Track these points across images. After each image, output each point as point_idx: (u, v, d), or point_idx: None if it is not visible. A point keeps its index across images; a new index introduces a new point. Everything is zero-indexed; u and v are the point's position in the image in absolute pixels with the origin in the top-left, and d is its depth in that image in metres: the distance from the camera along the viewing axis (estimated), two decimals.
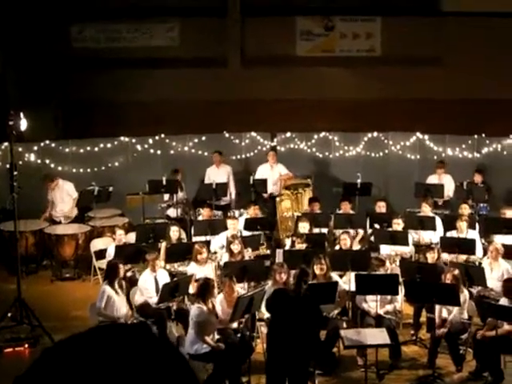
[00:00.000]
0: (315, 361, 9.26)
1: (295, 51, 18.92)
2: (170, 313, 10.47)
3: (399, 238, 12.32)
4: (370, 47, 18.87)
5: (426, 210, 13.55)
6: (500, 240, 12.11)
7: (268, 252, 12.67)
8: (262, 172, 15.58)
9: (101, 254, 12.82)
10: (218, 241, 12.53)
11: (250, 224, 13.08)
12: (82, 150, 15.90)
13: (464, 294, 10.02)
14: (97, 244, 13.34)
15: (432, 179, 15.27)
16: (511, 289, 9.74)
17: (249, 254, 12.03)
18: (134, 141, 16.23)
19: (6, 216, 13.74)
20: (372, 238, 12.97)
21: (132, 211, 14.89)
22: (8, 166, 11.20)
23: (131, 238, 12.91)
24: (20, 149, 14.78)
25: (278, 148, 16.64)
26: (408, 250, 12.49)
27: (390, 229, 12.75)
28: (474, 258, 11.98)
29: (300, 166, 16.14)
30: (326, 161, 16.80)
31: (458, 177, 15.07)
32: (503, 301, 9.73)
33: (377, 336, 9.25)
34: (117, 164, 16.12)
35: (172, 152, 16.44)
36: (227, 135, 16.66)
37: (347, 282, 10.75)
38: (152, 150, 16.32)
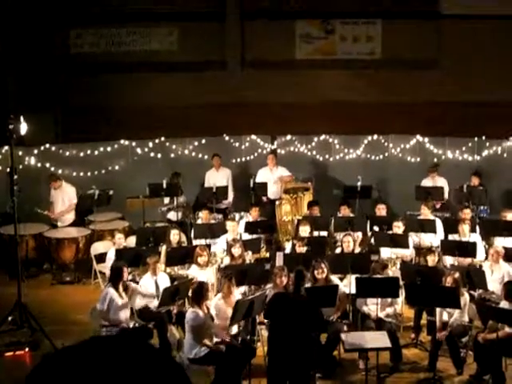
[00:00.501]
0: (316, 364, 9.24)
1: (295, 54, 18.94)
2: (171, 316, 10.47)
3: (399, 241, 12.32)
4: (370, 50, 18.89)
5: (426, 212, 13.54)
6: (500, 243, 12.11)
7: (268, 255, 12.67)
8: (263, 175, 15.59)
9: (101, 257, 12.82)
10: (219, 245, 12.54)
11: (250, 227, 13.09)
12: (82, 154, 15.91)
13: (464, 297, 10.02)
14: (97, 247, 13.34)
15: (426, 182, 15.26)
16: (511, 292, 9.72)
17: (249, 257, 12.04)
18: (133, 144, 16.24)
19: (6, 220, 13.74)
20: (372, 241, 12.96)
21: (132, 214, 14.90)
22: (8, 169, 11.16)
23: (131, 241, 12.92)
24: (20, 152, 14.80)
25: (278, 151, 16.65)
26: (409, 253, 12.49)
27: (391, 232, 12.74)
28: (476, 261, 11.96)
29: (300, 169, 16.15)
30: (326, 164, 16.81)
31: (457, 179, 15.05)
32: (504, 304, 9.72)
33: (377, 339, 9.23)
34: (117, 167, 16.13)
35: (172, 155, 16.45)
36: (227, 138, 16.67)
37: (347, 284, 10.75)
38: (152, 154, 16.33)
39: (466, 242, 12.14)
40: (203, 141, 16.51)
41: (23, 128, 10.99)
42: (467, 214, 13.38)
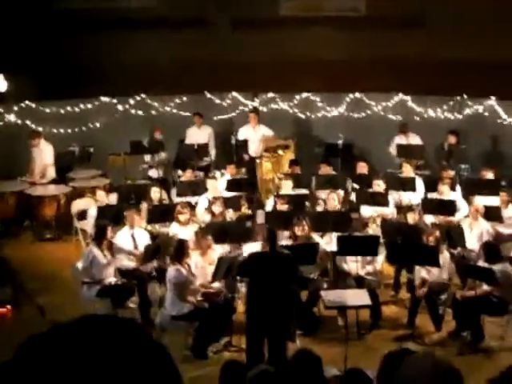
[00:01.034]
0: (296, 321, 9.31)
1: (278, 11, 18.75)
2: (151, 273, 10.52)
3: (380, 199, 12.32)
4: (353, 7, 18.72)
5: (407, 169, 13.51)
6: (480, 201, 12.17)
7: (250, 213, 12.68)
8: (244, 133, 15.50)
9: (82, 215, 12.79)
10: (200, 206, 12.49)
11: (231, 185, 13.07)
12: (62, 111, 15.80)
13: (444, 255, 10.09)
14: (78, 205, 13.27)
15: (398, 140, 15.15)
16: (488, 252, 9.79)
17: (230, 215, 12.04)
18: (114, 101, 16.12)
19: None
20: (353, 199, 12.97)
21: (113, 172, 14.82)
22: None
23: (113, 199, 12.89)
24: (0, 109, 14.66)
25: (260, 108, 16.56)
26: (389, 211, 12.49)
27: (371, 190, 12.75)
28: (459, 218, 11.98)
29: (282, 127, 16.07)
30: (308, 121, 16.76)
31: (438, 138, 15.07)
32: (482, 262, 9.81)
33: (357, 297, 9.29)
34: (98, 125, 16.03)
35: (153, 112, 16.36)
36: (208, 96, 16.57)
37: (328, 242, 10.79)
38: (133, 111, 16.23)
39: (446, 200, 12.18)
40: (184, 98, 16.41)
41: (3, 85, 10.88)
42: (449, 174, 13.41)
